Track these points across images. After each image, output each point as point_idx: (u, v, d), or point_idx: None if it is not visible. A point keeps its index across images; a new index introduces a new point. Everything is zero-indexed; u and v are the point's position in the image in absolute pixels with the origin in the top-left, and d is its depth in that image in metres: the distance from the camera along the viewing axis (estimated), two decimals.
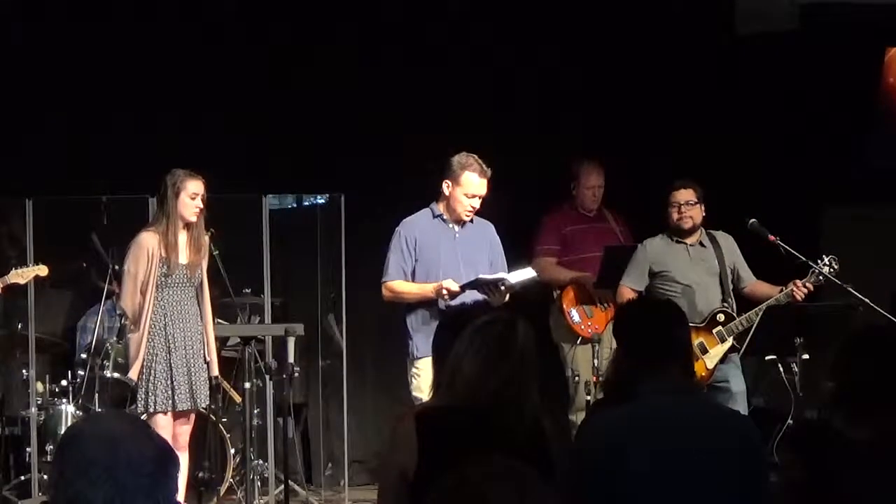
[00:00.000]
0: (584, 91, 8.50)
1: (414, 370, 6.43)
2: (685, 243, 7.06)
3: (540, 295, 7.64)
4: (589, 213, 8.03)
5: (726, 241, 7.13)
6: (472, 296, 6.25)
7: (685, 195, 7.02)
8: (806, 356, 6.61)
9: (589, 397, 7.07)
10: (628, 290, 7.05)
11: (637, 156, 8.31)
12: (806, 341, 6.57)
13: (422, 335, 6.34)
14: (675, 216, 7.03)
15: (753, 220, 7.00)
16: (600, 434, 3.50)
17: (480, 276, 6.42)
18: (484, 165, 6.49)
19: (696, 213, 7.05)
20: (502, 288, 6.39)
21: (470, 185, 6.49)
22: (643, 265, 7.08)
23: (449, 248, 6.55)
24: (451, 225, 6.58)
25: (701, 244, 7.09)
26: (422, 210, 6.65)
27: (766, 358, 7.56)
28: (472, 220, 6.60)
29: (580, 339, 7.61)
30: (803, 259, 6.84)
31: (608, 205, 8.09)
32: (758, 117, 8.52)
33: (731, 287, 7.04)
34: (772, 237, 6.96)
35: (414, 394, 6.39)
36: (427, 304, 6.43)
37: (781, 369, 7.56)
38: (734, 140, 8.41)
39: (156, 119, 7.97)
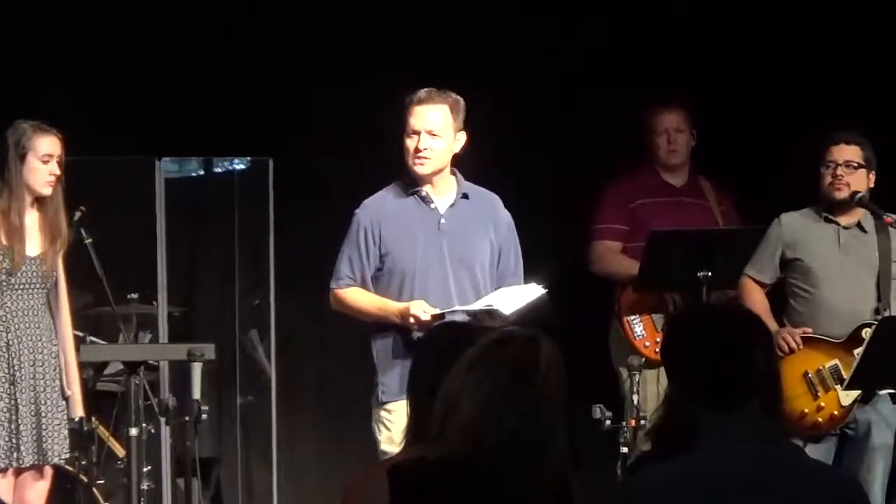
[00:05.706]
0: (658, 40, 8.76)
1: (382, 416, 6.47)
2: (837, 223, 7.04)
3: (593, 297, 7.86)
4: (673, 178, 8.07)
5: None
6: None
7: (846, 152, 6.99)
8: None
9: (625, 449, 7.06)
10: (752, 283, 7.12)
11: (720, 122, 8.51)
12: None
13: (392, 371, 6.39)
14: (828, 179, 7.00)
15: (862, 193, 6.98)
16: (644, 499, 3.50)
17: (458, 307, 6.35)
18: (431, 91, 6.46)
19: (856, 180, 6.98)
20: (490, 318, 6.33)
21: (414, 117, 6.42)
22: (774, 248, 7.12)
23: (431, 241, 6.48)
24: (433, 205, 6.49)
25: (860, 227, 7.06)
26: (388, 186, 6.62)
27: (880, 393, 7.46)
28: (466, 196, 6.52)
29: (644, 360, 7.51)
30: None
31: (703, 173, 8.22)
32: (855, 75, 8.79)
33: (894, 292, 7.05)
34: (888, 218, 7.00)
35: (383, 448, 6.44)
36: (397, 327, 6.46)
37: None
38: (828, 100, 8.59)
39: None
